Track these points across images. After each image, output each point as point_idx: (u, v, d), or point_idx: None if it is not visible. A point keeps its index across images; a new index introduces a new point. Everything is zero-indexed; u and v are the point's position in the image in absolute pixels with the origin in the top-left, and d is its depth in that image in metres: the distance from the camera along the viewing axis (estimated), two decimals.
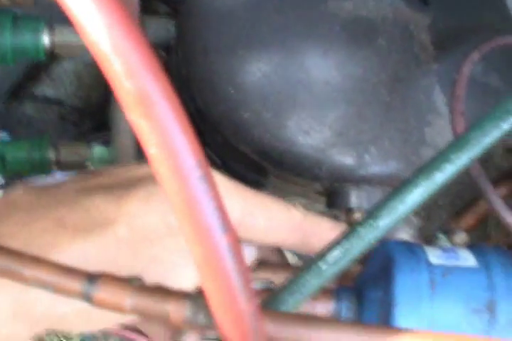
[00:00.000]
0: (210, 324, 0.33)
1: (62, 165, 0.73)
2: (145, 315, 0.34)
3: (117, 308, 0.34)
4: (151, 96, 0.24)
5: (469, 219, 0.69)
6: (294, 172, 0.60)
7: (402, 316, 0.49)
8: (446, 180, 0.43)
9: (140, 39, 0.24)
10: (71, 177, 0.48)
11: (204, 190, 0.26)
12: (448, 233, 0.68)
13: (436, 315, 0.49)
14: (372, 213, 0.43)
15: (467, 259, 0.52)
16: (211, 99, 0.60)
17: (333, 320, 0.35)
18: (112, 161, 0.71)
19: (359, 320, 0.52)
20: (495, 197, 0.50)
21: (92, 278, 0.34)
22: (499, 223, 0.97)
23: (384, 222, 0.43)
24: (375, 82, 0.58)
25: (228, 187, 0.45)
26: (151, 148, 0.25)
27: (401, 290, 0.49)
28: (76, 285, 0.33)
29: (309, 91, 0.58)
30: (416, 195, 0.42)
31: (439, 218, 1.11)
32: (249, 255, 0.50)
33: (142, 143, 0.25)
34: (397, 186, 0.43)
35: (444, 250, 0.53)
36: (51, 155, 0.73)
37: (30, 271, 0.33)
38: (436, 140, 0.60)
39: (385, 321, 0.50)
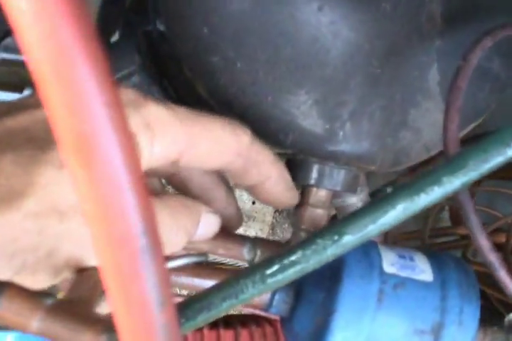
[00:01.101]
0: None
1: None
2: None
3: (21, 328, 0.28)
4: (94, 139, 0.18)
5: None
6: (255, 131, 0.53)
7: (338, 326, 0.44)
8: (429, 203, 0.37)
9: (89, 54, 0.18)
10: None
11: (146, 264, 0.19)
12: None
13: (377, 330, 0.44)
14: (337, 227, 0.38)
15: (424, 271, 0.47)
16: (179, 33, 0.53)
17: None
18: None
19: (291, 317, 0.48)
20: (474, 220, 0.45)
21: None
22: None
23: (348, 239, 0.38)
24: (367, 50, 0.51)
25: (166, 120, 0.41)
26: (86, 203, 0.18)
27: (344, 298, 0.45)
28: None
29: (292, 46, 0.51)
30: (391, 216, 0.37)
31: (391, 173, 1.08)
32: (214, 223, 0.48)
33: (76, 192, 0.19)
34: (373, 201, 0.38)
35: (401, 255, 0.48)
36: None
37: None
38: (419, 123, 0.54)
39: (319, 327, 0.45)
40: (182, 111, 0.43)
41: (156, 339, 0.21)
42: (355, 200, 0.68)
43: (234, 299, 0.38)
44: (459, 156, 0.36)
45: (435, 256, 0.49)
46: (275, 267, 0.38)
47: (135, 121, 0.39)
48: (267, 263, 0.38)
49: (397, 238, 1.05)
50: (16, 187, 0.36)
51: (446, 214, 1.22)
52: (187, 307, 0.38)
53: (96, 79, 0.18)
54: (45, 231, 0.37)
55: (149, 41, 0.61)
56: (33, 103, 0.41)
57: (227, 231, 0.52)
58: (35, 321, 0.27)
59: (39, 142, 0.38)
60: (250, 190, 0.50)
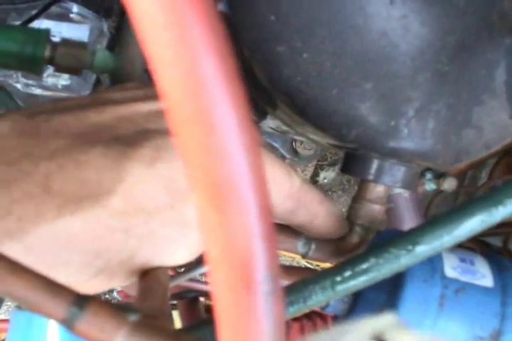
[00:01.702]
0: None
1: (56, 67, 0.64)
2: None
3: None
4: (231, 184, 0.17)
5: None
6: (317, 124, 0.53)
7: None
8: (506, 216, 0.37)
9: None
10: (70, 102, 0.40)
11: (266, 310, 0.19)
12: (436, 175, 0.63)
13: (437, 335, 0.44)
14: (411, 236, 0.37)
15: (484, 276, 0.46)
16: (245, 20, 0.52)
17: None
18: (114, 71, 0.62)
19: (347, 317, 0.47)
20: None
21: (80, 302, 0.27)
22: (490, 169, 0.93)
23: (422, 250, 0.37)
24: (437, 46, 0.50)
25: None
26: (213, 248, 0.18)
27: (406, 301, 0.44)
28: (59, 309, 0.26)
29: (361, 39, 0.49)
30: (468, 227, 0.37)
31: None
32: None
33: (206, 236, 0.18)
34: (449, 212, 0.37)
35: (462, 259, 0.47)
36: (46, 52, 0.63)
37: (7, 283, 0.25)
38: (482, 122, 0.53)
39: None
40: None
41: None
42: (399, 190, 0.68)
43: (301, 304, 0.38)
44: None
45: (495, 260, 0.49)
46: (346, 274, 0.37)
47: None
48: (338, 269, 0.38)
49: None
50: (104, 183, 0.35)
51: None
52: None
53: (236, 121, 0.17)
54: (131, 231, 0.37)
55: None
56: (117, 98, 0.40)
57: (281, 224, 0.51)
58: (119, 338, 0.26)
59: (127, 140, 0.37)
60: (300, 227, 0.50)
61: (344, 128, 0.52)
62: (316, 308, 0.49)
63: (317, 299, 0.38)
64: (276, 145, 1.20)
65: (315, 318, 0.59)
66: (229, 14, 0.54)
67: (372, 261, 0.37)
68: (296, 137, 0.93)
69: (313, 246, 0.53)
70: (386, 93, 0.50)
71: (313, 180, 1.46)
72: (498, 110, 0.54)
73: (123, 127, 0.38)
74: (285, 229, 0.52)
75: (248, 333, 0.19)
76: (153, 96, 0.41)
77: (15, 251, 0.33)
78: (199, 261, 0.46)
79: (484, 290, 0.45)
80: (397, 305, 0.44)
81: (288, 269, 0.51)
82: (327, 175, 1.47)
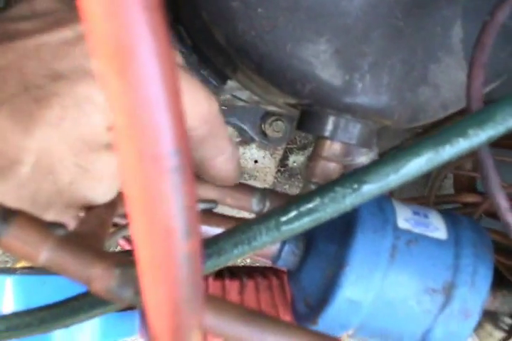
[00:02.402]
0: (137, 301, 0.26)
1: None
2: (62, 273, 0.27)
3: (28, 258, 0.26)
4: (133, 48, 0.16)
5: None
6: (272, 81, 0.52)
7: (348, 280, 0.43)
8: (453, 155, 0.36)
9: None
10: None
11: (175, 186, 0.18)
12: None
13: (387, 287, 0.44)
14: (357, 175, 0.36)
15: (438, 228, 0.46)
16: None
17: (277, 322, 0.28)
18: None
19: (299, 270, 0.47)
20: (494, 178, 0.43)
21: (6, 215, 0.26)
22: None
23: (368, 188, 0.37)
24: (391, 1, 0.49)
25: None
26: (118, 117, 0.17)
27: (357, 251, 0.44)
28: None
29: None
30: (414, 166, 0.36)
31: (398, 136, 1.06)
32: None
33: (108, 104, 0.17)
34: (396, 151, 0.36)
35: (415, 212, 0.47)
36: None
37: None
38: (439, 79, 0.53)
39: (328, 280, 0.44)
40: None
41: (176, 272, 0.20)
42: (364, 159, 0.67)
43: (246, 245, 0.37)
44: (487, 109, 0.35)
45: (450, 214, 0.48)
46: (292, 214, 0.37)
47: None
48: (283, 209, 0.37)
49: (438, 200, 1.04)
50: (10, 152, 0.35)
51: (447, 183, 1.20)
52: None
53: None
54: (39, 194, 0.36)
55: None
56: (25, 28, 0.39)
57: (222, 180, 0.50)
58: (44, 251, 0.26)
59: (35, 92, 0.36)
60: (202, 163, 0.48)
61: (298, 84, 0.51)
62: (269, 264, 0.48)
63: (262, 240, 0.37)
64: (245, 127, 1.19)
65: (270, 276, 0.58)
66: None
67: (318, 200, 0.36)
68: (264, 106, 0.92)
69: (267, 204, 0.52)
70: (340, 48, 0.50)
71: (283, 164, 1.46)
72: (454, 68, 0.53)
73: (30, 69, 0.36)
74: (239, 187, 0.51)
75: (156, 214, 0.18)
76: (65, 22, 0.39)
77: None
78: None
79: (437, 242, 0.45)
80: (347, 256, 0.43)
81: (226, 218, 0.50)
82: (296, 159, 1.46)
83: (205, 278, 0.57)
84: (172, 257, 0.20)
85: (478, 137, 0.35)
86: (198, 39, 0.59)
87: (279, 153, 1.37)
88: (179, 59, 0.44)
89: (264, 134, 1.21)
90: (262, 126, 1.20)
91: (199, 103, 0.42)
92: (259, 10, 0.49)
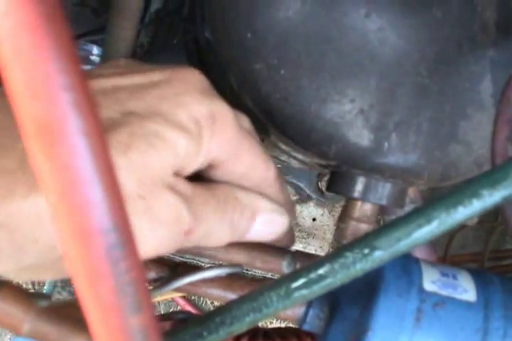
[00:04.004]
0: None
1: None
2: None
3: (12, 329, 0.26)
4: (58, 127, 0.16)
5: None
6: (298, 142, 0.52)
7: None
8: (467, 217, 0.35)
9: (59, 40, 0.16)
10: None
11: (114, 263, 0.18)
12: None
13: None
14: (368, 240, 0.36)
15: (467, 291, 0.44)
16: (223, 39, 0.52)
17: None
18: None
19: (324, 333, 0.46)
20: None
21: None
22: None
23: (380, 255, 0.36)
24: (416, 59, 0.49)
25: (230, 121, 0.40)
26: (50, 196, 0.17)
27: (380, 315, 0.42)
28: None
29: (339, 53, 0.49)
30: (426, 230, 0.35)
31: None
32: (278, 223, 0.46)
33: (40, 184, 0.17)
34: (407, 214, 0.35)
35: (443, 273, 0.45)
36: None
37: None
38: (470, 137, 0.52)
39: None
40: (238, 121, 0.42)
41: None
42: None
43: (257, 313, 0.37)
44: (501, 167, 0.34)
45: (481, 274, 0.47)
46: (301, 280, 0.36)
47: (202, 109, 0.38)
48: (293, 276, 0.36)
49: (456, 259, 1.02)
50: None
51: None
52: (209, 320, 0.36)
53: (59, 61, 0.16)
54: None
55: (197, 49, 0.60)
56: (103, 73, 0.40)
57: (266, 244, 0.50)
58: (27, 323, 0.26)
59: (105, 121, 0.36)
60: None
61: (324, 145, 0.51)
62: (294, 326, 0.47)
63: (273, 307, 0.37)
64: (301, 185, 1.19)
65: (304, 337, 0.57)
66: (210, 39, 0.54)
67: (328, 266, 0.36)
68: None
69: (298, 266, 0.51)
70: (365, 107, 0.50)
71: None
72: (487, 124, 0.52)
73: (106, 105, 0.37)
74: (270, 249, 0.51)
75: (100, 292, 0.18)
76: (139, 71, 0.40)
77: None
78: (174, 275, 0.45)
79: (465, 304, 0.44)
80: (370, 321, 0.42)
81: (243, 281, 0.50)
82: None
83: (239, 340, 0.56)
84: (122, 333, 0.19)
85: (492, 197, 0.34)
86: (228, 102, 0.60)
87: (338, 210, 1.36)
88: (246, 122, 0.44)
89: (321, 192, 1.20)
90: (319, 183, 1.19)
91: (255, 169, 0.42)
92: (282, 72, 0.50)
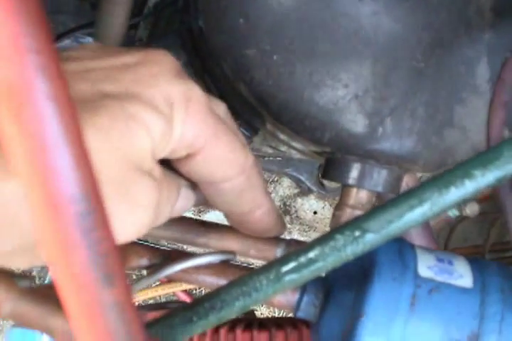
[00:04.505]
0: None
1: None
2: (25, 324, 0.27)
3: None
4: (26, 91, 0.16)
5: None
6: (292, 129, 0.51)
7: (366, 330, 0.42)
8: (460, 198, 0.35)
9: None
10: None
11: (84, 232, 0.17)
12: None
13: (408, 337, 0.42)
14: (359, 222, 0.35)
15: (463, 276, 0.44)
16: (216, 26, 0.52)
17: None
18: None
19: (319, 320, 0.45)
20: None
21: None
22: None
23: (371, 237, 0.35)
24: (411, 43, 0.49)
25: (205, 105, 0.40)
26: (18, 164, 0.17)
27: (374, 300, 0.42)
28: None
29: (331, 38, 0.49)
30: (419, 212, 0.35)
31: None
32: (188, 200, 0.45)
33: (7, 154, 0.17)
34: (398, 195, 0.35)
35: (439, 259, 0.45)
36: None
37: None
38: (466, 122, 0.52)
39: (347, 331, 0.43)
40: (211, 104, 0.41)
41: (104, 320, 0.19)
42: None
43: (247, 297, 0.36)
44: (494, 148, 0.33)
45: (477, 260, 0.46)
46: (291, 264, 0.36)
47: (175, 90, 0.38)
48: (283, 260, 0.36)
49: (458, 252, 1.01)
50: None
51: None
52: (199, 305, 0.36)
53: (25, 23, 0.16)
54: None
55: (192, 38, 0.60)
56: (74, 56, 0.40)
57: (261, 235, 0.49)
58: (7, 303, 0.26)
59: (84, 103, 0.36)
60: (240, 217, 0.47)
61: (318, 131, 0.50)
62: (289, 315, 0.47)
63: (263, 291, 0.36)
64: (302, 178, 1.18)
65: (300, 326, 0.57)
66: (203, 27, 0.54)
67: (318, 249, 0.35)
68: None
69: None
70: (358, 92, 0.49)
71: None
72: (483, 110, 0.52)
73: (78, 86, 0.37)
74: (263, 238, 0.51)
75: (69, 259, 0.18)
76: (112, 54, 0.40)
77: None
78: (167, 262, 0.45)
79: (461, 290, 0.43)
80: (364, 306, 0.42)
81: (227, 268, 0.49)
82: None
83: (233, 330, 0.56)
84: (95, 306, 0.19)
85: (484, 178, 0.33)
86: (222, 90, 0.60)
87: None
88: (222, 109, 0.44)
89: (321, 184, 1.20)
90: (320, 176, 1.19)
91: (235, 152, 0.42)
92: (274, 57, 0.49)
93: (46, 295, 0.27)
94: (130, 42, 1.06)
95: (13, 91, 0.16)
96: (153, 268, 0.46)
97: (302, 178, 1.19)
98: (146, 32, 1.05)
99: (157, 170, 0.38)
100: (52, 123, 0.16)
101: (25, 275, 0.27)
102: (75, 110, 0.17)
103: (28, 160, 0.16)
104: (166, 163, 0.43)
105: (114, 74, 0.38)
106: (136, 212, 0.37)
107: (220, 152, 0.41)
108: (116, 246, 0.19)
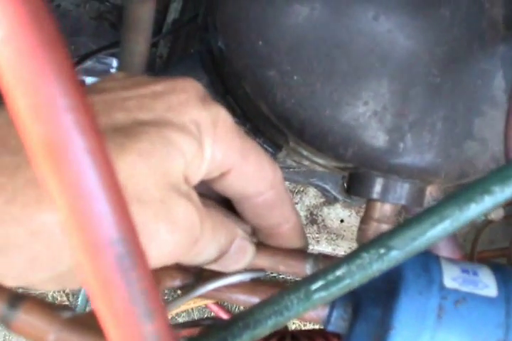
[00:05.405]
0: None
1: None
2: None
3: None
4: (65, 146, 0.17)
5: None
6: (315, 146, 0.53)
7: None
8: (480, 214, 0.36)
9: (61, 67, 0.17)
10: None
11: (124, 273, 0.19)
12: None
13: None
14: (383, 240, 0.36)
15: (487, 286, 0.45)
16: (236, 48, 0.53)
17: None
18: None
19: (349, 334, 0.46)
20: None
21: (15, 300, 0.27)
22: None
23: (395, 254, 0.36)
24: (427, 59, 0.50)
25: (231, 126, 0.41)
26: (61, 213, 0.18)
27: (401, 314, 0.43)
28: None
29: (349, 57, 0.50)
30: (440, 228, 0.36)
31: None
32: (243, 253, 0.45)
33: (52, 203, 0.18)
34: (420, 213, 0.36)
35: (464, 270, 0.46)
36: None
37: None
38: (485, 133, 0.52)
39: None
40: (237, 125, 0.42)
41: None
42: None
43: (279, 316, 0.37)
44: (511, 162, 0.34)
45: (502, 270, 0.47)
46: (320, 283, 0.37)
47: (203, 116, 0.39)
48: (312, 278, 0.37)
49: (485, 255, 1.01)
50: None
51: None
52: (232, 324, 0.37)
53: (59, 84, 0.17)
54: None
55: (212, 58, 0.61)
56: (105, 87, 0.41)
57: (288, 248, 0.50)
58: (51, 334, 0.27)
59: (124, 131, 0.37)
60: (268, 231, 0.49)
61: (340, 148, 0.51)
62: (319, 327, 0.48)
63: (294, 310, 0.37)
64: (327, 187, 1.19)
65: (331, 338, 0.57)
66: (224, 49, 0.55)
67: (344, 267, 0.36)
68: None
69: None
70: (378, 109, 0.50)
71: None
72: (501, 120, 0.52)
73: (115, 115, 0.38)
74: (292, 254, 0.51)
75: (113, 301, 0.19)
76: (141, 83, 0.41)
77: (21, 236, 0.33)
78: (198, 282, 0.46)
79: (487, 300, 0.44)
80: (392, 320, 0.43)
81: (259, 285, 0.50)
82: None
83: None
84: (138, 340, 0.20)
85: (503, 193, 0.34)
86: (245, 109, 0.61)
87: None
88: (238, 128, 0.45)
89: (347, 193, 1.20)
90: (345, 184, 1.19)
91: (264, 168, 0.43)
92: (295, 77, 0.50)
93: (89, 325, 0.28)
94: (151, 59, 1.08)
95: (52, 147, 0.17)
96: (185, 289, 0.47)
97: (327, 187, 1.20)
98: (166, 49, 1.07)
99: (194, 196, 0.39)
100: (89, 174, 0.18)
101: (67, 306, 0.28)
102: (109, 160, 0.18)
103: (68, 208, 0.18)
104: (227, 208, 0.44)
105: (147, 103, 0.40)
106: (176, 232, 0.38)
107: (250, 169, 0.42)
108: (155, 283, 0.20)
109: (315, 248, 1.32)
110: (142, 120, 0.39)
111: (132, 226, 0.19)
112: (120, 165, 0.36)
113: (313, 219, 1.32)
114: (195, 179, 0.40)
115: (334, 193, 1.20)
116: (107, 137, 0.37)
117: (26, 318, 0.27)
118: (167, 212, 0.38)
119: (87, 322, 0.28)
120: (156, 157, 0.37)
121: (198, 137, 0.38)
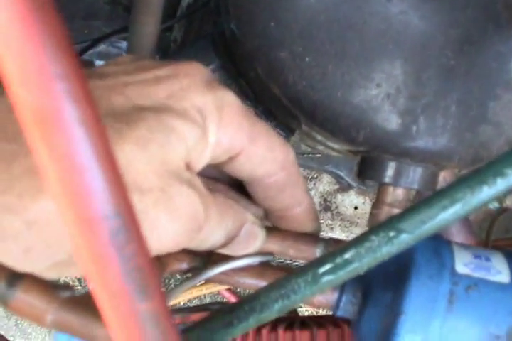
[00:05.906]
0: None
1: None
2: (70, 333, 0.27)
3: (36, 321, 0.27)
4: (56, 115, 0.16)
5: None
6: (326, 129, 0.52)
7: (405, 328, 0.42)
8: (492, 197, 0.35)
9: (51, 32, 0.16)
10: None
11: (118, 248, 0.18)
12: None
13: (447, 334, 0.42)
14: (392, 223, 0.35)
15: (500, 272, 0.44)
16: (248, 30, 0.52)
17: None
18: None
19: (358, 319, 0.46)
20: None
21: (13, 279, 0.27)
22: None
23: (405, 238, 0.36)
24: (441, 41, 0.49)
25: (238, 110, 0.41)
26: (52, 185, 0.17)
27: (412, 299, 0.42)
28: None
29: (362, 38, 0.49)
30: (451, 211, 0.35)
31: None
32: (253, 239, 0.45)
33: (42, 175, 0.17)
34: (431, 195, 0.35)
35: (476, 255, 0.45)
36: None
37: None
38: (500, 117, 0.51)
39: (386, 329, 0.43)
40: (246, 107, 0.42)
41: (141, 331, 0.20)
42: None
43: (286, 300, 0.37)
44: None
45: None
46: (328, 266, 0.36)
47: (207, 101, 0.39)
48: (320, 261, 0.37)
49: (500, 244, 1.00)
50: None
51: None
52: (238, 308, 0.37)
53: (50, 51, 0.17)
54: None
55: (224, 41, 0.60)
56: (107, 72, 0.40)
57: (299, 232, 0.50)
58: (50, 314, 0.27)
59: (122, 117, 0.37)
60: (280, 214, 0.48)
61: (352, 130, 0.51)
62: (328, 313, 0.47)
63: (301, 293, 0.37)
64: (341, 174, 1.19)
65: (342, 325, 0.57)
66: (236, 31, 0.54)
67: (353, 251, 0.36)
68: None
69: None
70: (391, 91, 0.49)
71: None
72: None
73: (116, 101, 0.38)
74: (302, 238, 0.51)
75: (107, 276, 0.19)
76: (145, 68, 0.41)
77: (16, 226, 0.33)
78: (206, 265, 0.45)
79: (499, 286, 0.43)
80: (402, 305, 0.42)
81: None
82: None
83: (275, 330, 0.57)
84: (131, 318, 0.20)
85: None
86: (258, 92, 0.60)
87: None
88: (247, 108, 0.44)
89: (361, 180, 1.20)
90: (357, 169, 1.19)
91: (275, 149, 0.43)
92: (307, 59, 0.50)
93: (88, 304, 0.27)
94: (165, 43, 1.07)
95: (42, 115, 0.16)
96: (193, 272, 0.47)
97: (342, 174, 1.19)
98: (180, 33, 1.06)
99: (197, 182, 0.38)
100: (81, 144, 0.17)
101: (66, 285, 0.28)
102: (103, 130, 0.18)
103: (61, 181, 0.17)
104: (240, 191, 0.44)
105: (148, 89, 0.39)
106: (177, 220, 0.38)
107: (260, 151, 0.42)
108: (150, 260, 0.20)
109: (328, 235, 1.32)
110: (142, 106, 0.38)
111: (127, 200, 0.18)
112: (118, 154, 0.35)
113: (327, 206, 1.32)
114: (199, 165, 0.39)
115: (348, 180, 1.19)
116: (105, 122, 0.36)
117: (24, 297, 0.26)
118: (167, 201, 0.37)
119: (86, 301, 0.27)
120: (155, 145, 0.36)
121: (200, 122, 0.38)
